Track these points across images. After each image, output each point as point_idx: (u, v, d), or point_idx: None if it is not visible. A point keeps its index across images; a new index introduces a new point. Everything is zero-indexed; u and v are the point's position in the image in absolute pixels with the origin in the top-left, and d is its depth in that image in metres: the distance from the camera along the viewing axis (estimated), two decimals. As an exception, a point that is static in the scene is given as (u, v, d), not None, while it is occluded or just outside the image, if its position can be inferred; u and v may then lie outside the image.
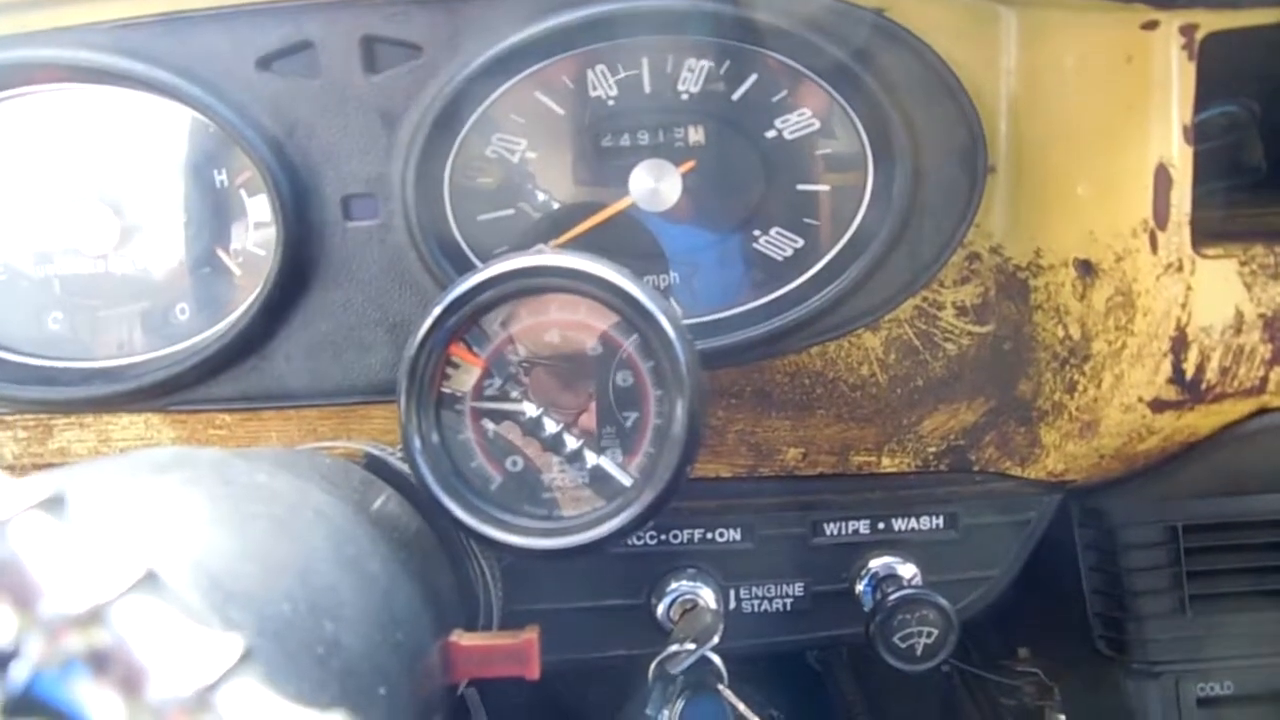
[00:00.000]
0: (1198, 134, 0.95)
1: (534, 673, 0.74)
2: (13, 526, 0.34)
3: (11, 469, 1.11)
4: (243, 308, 1.03)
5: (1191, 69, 0.92)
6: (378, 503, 0.77)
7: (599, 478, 0.83)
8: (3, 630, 0.33)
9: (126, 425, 1.09)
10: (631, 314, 0.77)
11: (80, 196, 1.05)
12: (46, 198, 1.05)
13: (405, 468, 0.83)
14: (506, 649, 0.74)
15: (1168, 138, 0.93)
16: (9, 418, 1.10)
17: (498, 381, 0.82)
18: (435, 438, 0.80)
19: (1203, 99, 0.95)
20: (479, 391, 0.82)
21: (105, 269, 1.07)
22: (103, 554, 0.34)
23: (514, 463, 0.83)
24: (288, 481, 0.64)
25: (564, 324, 0.82)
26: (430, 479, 0.78)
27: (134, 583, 0.33)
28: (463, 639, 0.73)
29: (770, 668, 1.63)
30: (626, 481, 0.82)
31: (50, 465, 1.11)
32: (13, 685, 0.32)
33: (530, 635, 0.75)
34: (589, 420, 0.84)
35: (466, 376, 0.82)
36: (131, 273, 1.07)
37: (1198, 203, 0.96)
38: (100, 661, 0.32)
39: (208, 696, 0.32)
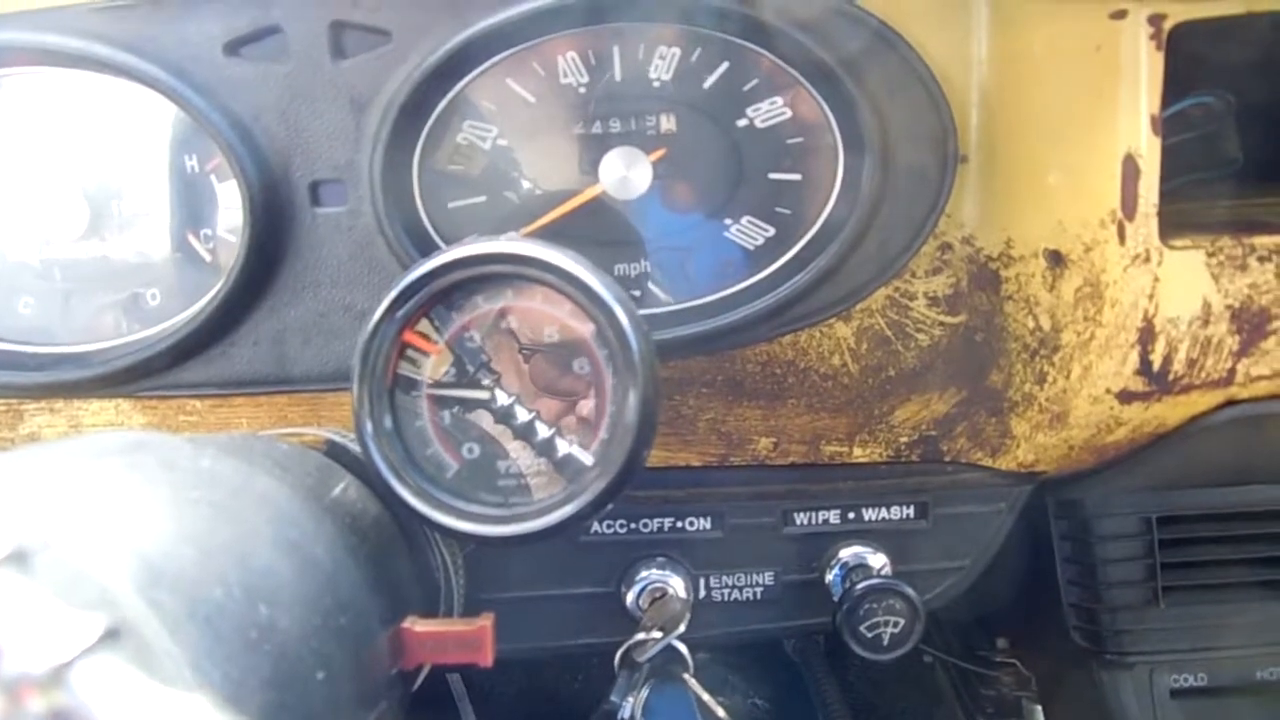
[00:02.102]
0: (1175, 125, 0.94)
1: (487, 660, 0.73)
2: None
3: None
4: (212, 293, 1.03)
5: (1160, 59, 0.91)
6: (336, 490, 0.77)
7: (563, 463, 0.82)
8: None
9: (97, 411, 1.09)
10: (585, 301, 0.77)
11: (50, 181, 1.04)
12: (16, 182, 1.05)
13: (366, 454, 0.83)
14: (460, 636, 0.74)
15: (1136, 128, 0.92)
16: (-22, 402, 1.10)
17: (459, 369, 0.82)
18: (389, 423, 0.80)
19: (1179, 90, 0.94)
20: (438, 378, 0.82)
21: (76, 254, 1.06)
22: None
23: (470, 450, 0.83)
24: (233, 466, 0.64)
25: (521, 311, 0.82)
26: (382, 464, 0.78)
27: (-2, 560, 0.33)
28: (415, 625, 0.73)
29: (754, 658, 1.63)
30: (589, 462, 0.81)
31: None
32: None
33: (484, 622, 0.74)
34: (585, 408, 0.84)
35: (425, 362, 0.82)
36: (102, 258, 1.06)
37: (1175, 194, 0.95)
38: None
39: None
